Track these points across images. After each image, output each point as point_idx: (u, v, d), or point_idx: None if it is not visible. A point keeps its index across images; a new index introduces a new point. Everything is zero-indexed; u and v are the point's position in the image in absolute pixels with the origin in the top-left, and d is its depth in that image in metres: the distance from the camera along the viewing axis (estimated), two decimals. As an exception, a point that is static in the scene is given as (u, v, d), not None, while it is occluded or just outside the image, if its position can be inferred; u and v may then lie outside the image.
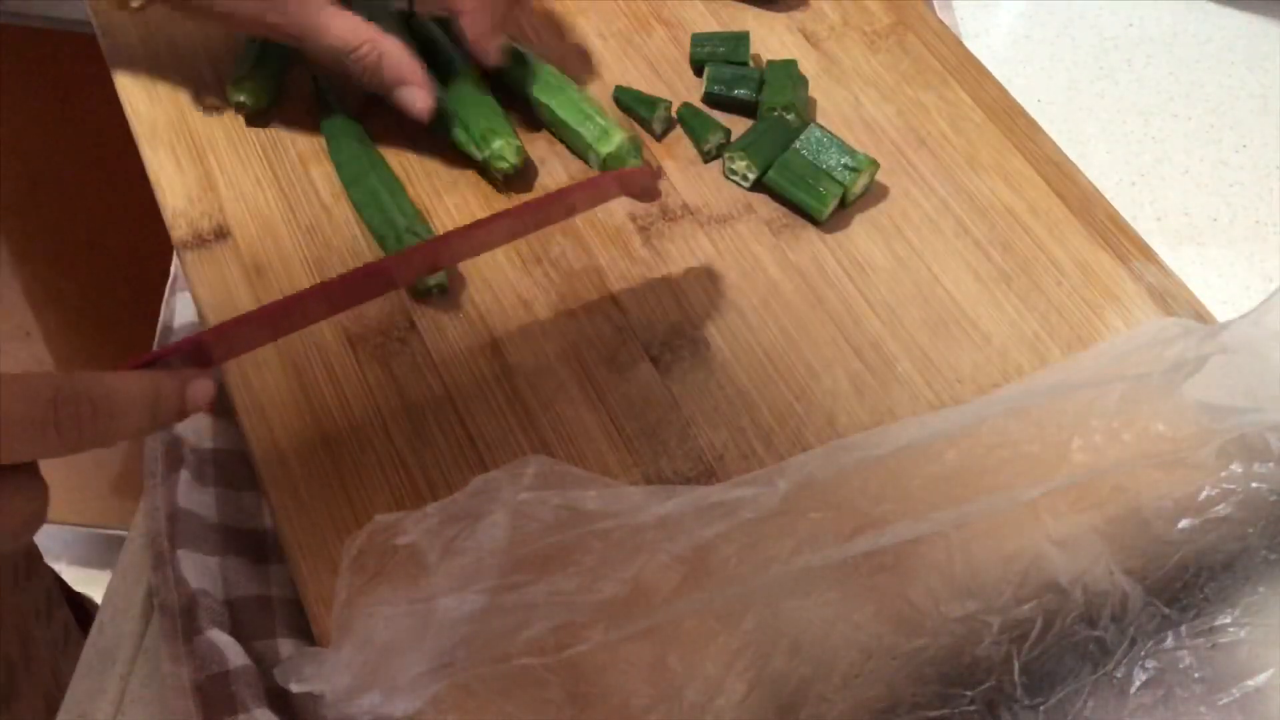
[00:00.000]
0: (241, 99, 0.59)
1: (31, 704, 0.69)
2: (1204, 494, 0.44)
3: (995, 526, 0.42)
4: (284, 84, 0.61)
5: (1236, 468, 0.44)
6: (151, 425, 0.39)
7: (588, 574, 0.38)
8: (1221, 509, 0.44)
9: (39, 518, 0.37)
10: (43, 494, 0.37)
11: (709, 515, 0.40)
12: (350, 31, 0.54)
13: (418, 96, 0.56)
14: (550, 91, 0.59)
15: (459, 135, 0.58)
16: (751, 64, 0.63)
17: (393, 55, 0.55)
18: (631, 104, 0.61)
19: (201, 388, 0.41)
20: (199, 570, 0.48)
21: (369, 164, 0.57)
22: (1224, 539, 0.44)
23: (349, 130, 0.59)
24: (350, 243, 0.56)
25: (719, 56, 0.63)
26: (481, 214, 0.57)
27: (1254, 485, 0.44)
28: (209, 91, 0.61)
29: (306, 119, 0.60)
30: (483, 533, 0.38)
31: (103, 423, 0.37)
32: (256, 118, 0.60)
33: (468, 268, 0.55)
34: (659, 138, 0.61)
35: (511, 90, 0.60)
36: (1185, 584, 0.43)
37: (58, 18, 0.88)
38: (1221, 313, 0.56)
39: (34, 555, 0.76)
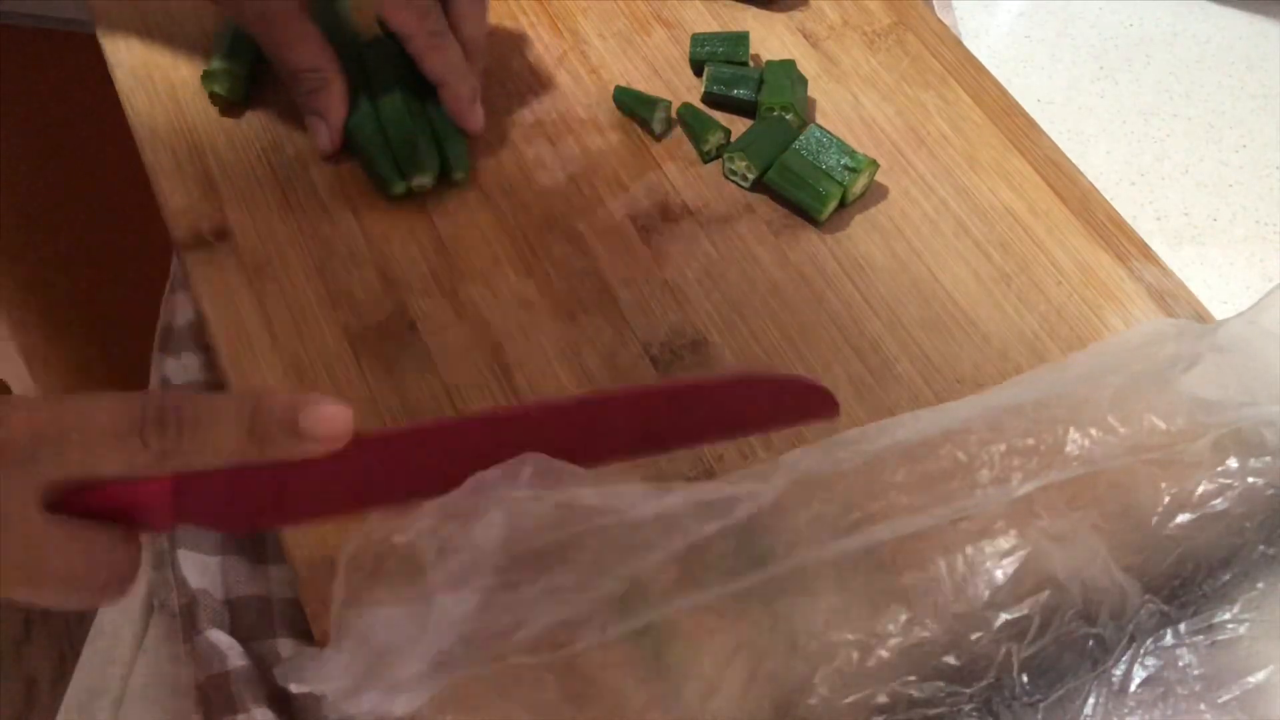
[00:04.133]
0: (215, 89, 0.59)
1: (46, 653, 0.69)
2: (1200, 489, 0.44)
3: (992, 523, 0.42)
4: (258, 75, 0.61)
5: (1232, 463, 0.44)
6: (251, 444, 0.36)
7: (584, 572, 0.38)
8: (1218, 504, 0.44)
9: (126, 580, 0.36)
10: (135, 556, 0.36)
11: (706, 512, 0.40)
12: (311, 55, 0.57)
13: (325, 136, 0.58)
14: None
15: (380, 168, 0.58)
16: (751, 64, 0.63)
17: (332, 91, 0.57)
18: (631, 104, 0.61)
19: (324, 413, 0.36)
20: (199, 570, 0.48)
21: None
22: (1221, 534, 0.44)
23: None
24: (349, 242, 0.56)
25: (719, 56, 0.63)
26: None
27: (1250, 480, 0.44)
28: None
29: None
30: (479, 531, 0.38)
31: (190, 436, 0.35)
32: (232, 109, 0.60)
33: (468, 269, 0.55)
34: (659, 138, 0.61)
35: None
36: (1183, 581, 0.43)
37: (58, 18, 0.88)
38: (1221, 312, 0.56)
39: None
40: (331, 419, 0.36)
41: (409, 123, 0.58)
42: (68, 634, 0.72)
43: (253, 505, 0.41)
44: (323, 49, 0.57)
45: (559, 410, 0.44)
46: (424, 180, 0.57)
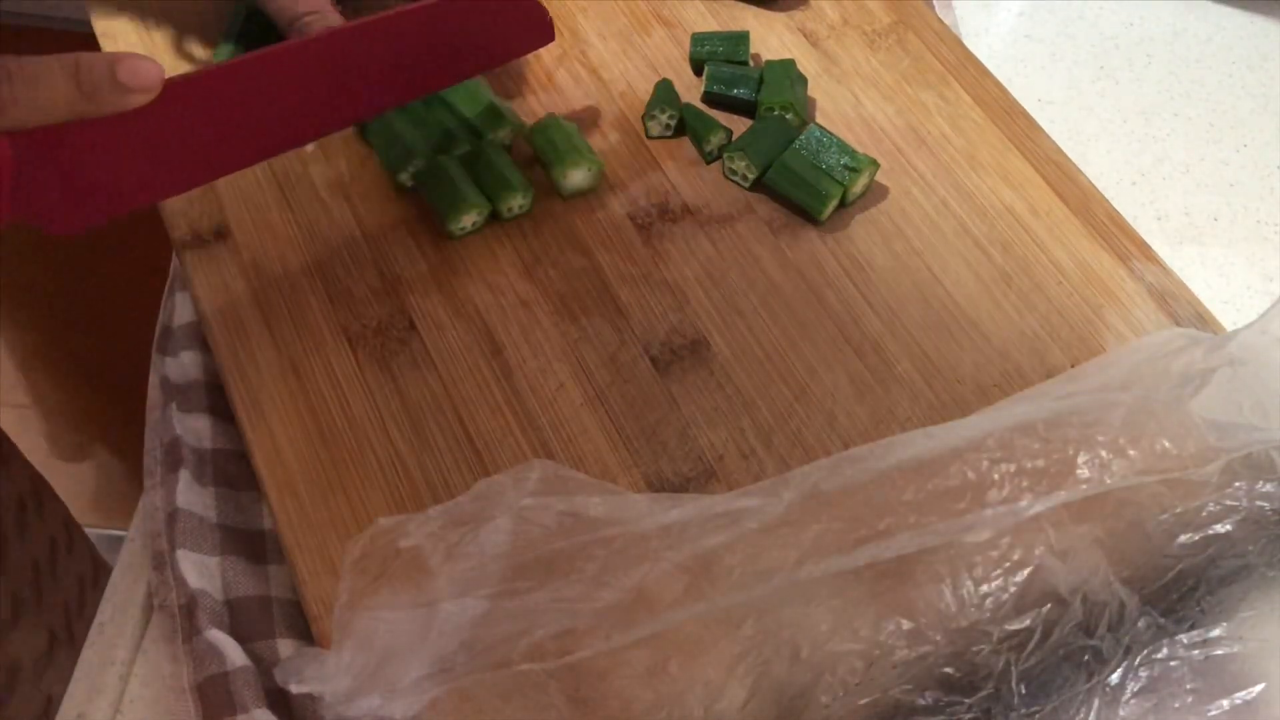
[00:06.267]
0: None
1: (30, 642, 0.69)
2: (1206, 510, 0.44)
3: (998, 537, 0.42)
4: None
5: (1240, 485, 0.44)
6: (80, 97, 0.40)
7: (590, 581, 0.38)
8: (1222, 526, 0.44)
9: None
10: None
11: (713, 525, 0.40)
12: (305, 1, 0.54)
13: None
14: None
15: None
16: (751, 63, 0.63)
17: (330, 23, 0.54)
18: (652, 100, 0.61)
19: (136, 65, 0.41)
20: (198, 570, 0.48)
21: None
22: (1223, 554, 0.44)
23: None
24: (349, 241, 0.56)
25: (719, 56, 0.63)
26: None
27: (1257, 504, 0.44)
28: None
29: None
30: (486, 537, 0.38)
31: (24, 88, 0.38)
32: None
33: (467, 267, 0.55)
34: (650, 136, 0.60)
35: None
36: (1182, 596, 0.43)
37: (58, 17, 0.88)
38: (1222, 312, 0.56)
39: (41, 497, 0.76)
40: (146, 70, 0.41)
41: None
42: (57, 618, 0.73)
43: (91, 172, 0.45)
44: None
45: (337, 37, 0.50)
46: (523, 202, 0.57)
